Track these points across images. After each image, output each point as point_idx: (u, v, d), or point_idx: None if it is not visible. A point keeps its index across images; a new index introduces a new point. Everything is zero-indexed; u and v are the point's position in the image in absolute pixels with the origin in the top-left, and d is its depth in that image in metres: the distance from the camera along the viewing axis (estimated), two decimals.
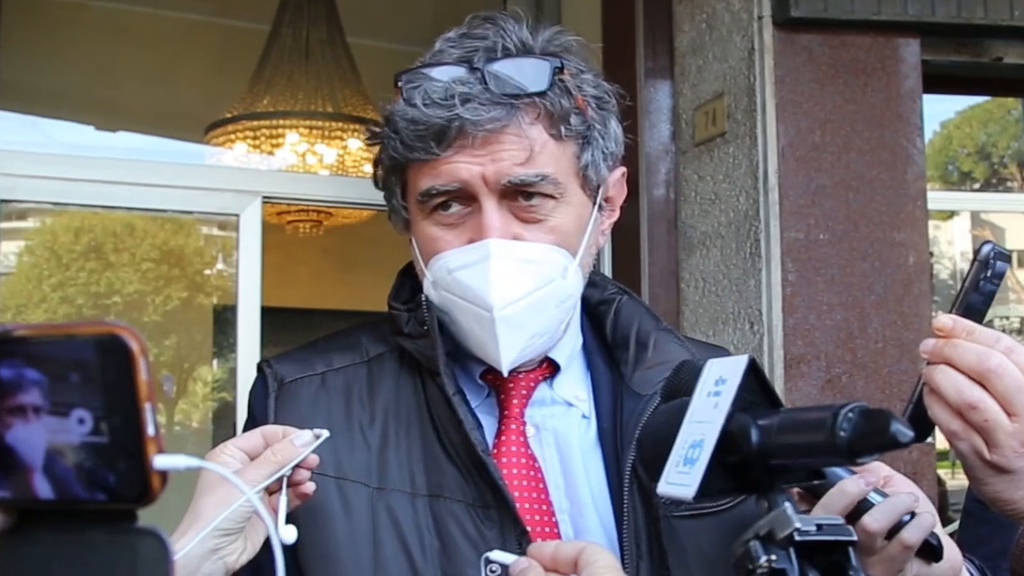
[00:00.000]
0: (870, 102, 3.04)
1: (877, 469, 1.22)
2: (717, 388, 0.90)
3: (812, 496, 1.19)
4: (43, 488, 0.58)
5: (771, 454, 0.86)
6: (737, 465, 0.87)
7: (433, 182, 1.31)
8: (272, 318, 3.60)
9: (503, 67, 1.30)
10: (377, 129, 1.39)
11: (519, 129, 1.30)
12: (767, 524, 0.84)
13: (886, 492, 1.19)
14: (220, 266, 7.07)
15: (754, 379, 0.89)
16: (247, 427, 1.43)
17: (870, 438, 0.83)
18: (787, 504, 0.84)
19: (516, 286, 1.30)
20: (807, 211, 2.97)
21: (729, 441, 0.87)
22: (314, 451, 1.34)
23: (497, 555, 1.12)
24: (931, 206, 3.21)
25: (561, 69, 1.32)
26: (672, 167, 3.40)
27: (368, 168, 5.08)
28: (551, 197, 1.33)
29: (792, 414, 0.89)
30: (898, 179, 3.04)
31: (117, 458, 0.58)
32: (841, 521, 0.86)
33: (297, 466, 1.20)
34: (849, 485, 1.15)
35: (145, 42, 5.42)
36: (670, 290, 3.35)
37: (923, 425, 1.14)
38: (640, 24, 3.46)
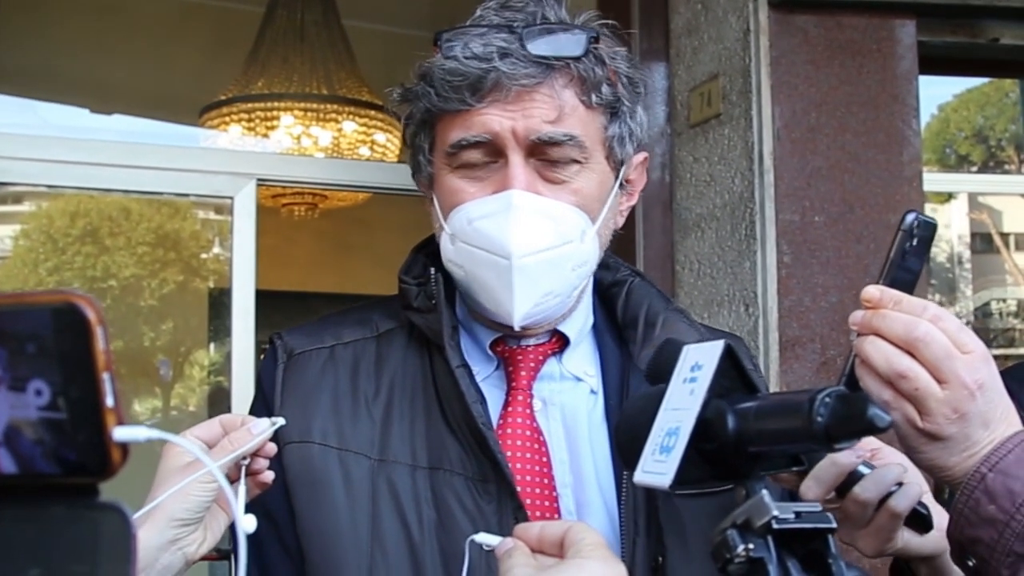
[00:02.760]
0: (866, 83, 3.02)
1: (866, 441, 1.23)
2: (693, 374, 0.88)
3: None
4: (5, 463, 0.57)
5: (748, 441, 0.85)
6: (714, 452, 0.86)
7: (464, 133, 1.34)
8: (267, 301, 3.60)
9: (540, 31, 1.33)
10: (411, 86, 1.40)
11: (552, 89, 1.32)
12: (744, 512, 0.83)
13: (874, 464, 1.20)
14: (216, 250, 7.08)
15: (731, 365, 0.88)
16: (256, 399, 1.48)
17: (847, 423, 0.82)
18: (764, 492, 0.83)
19: (536, 237, 1.32)
20: (802, 193, 2.96)
21: (706, 428, 0.86)
22: (319, 421, 1.37)
23: (483, 537, 1.11)
24: (928, 188, 3.20)
25: (596, 39, 1.35)
26: (667, 149, 3.39)
27: (363, 151, 5.06)
28: (576, 161, 1.35)
29: (769, 400, 0.88)
30: (894, 161, 3.02)
31: (76, 430, 0.56)
32: (820, 508, 0.85)
33: (255, 455, 1.21)
34: (840, 457, 1.16)
35: (140, 24, 5.41)
36: (665, 272, 3.34)
37: None
38: (635, 5, 3.44)
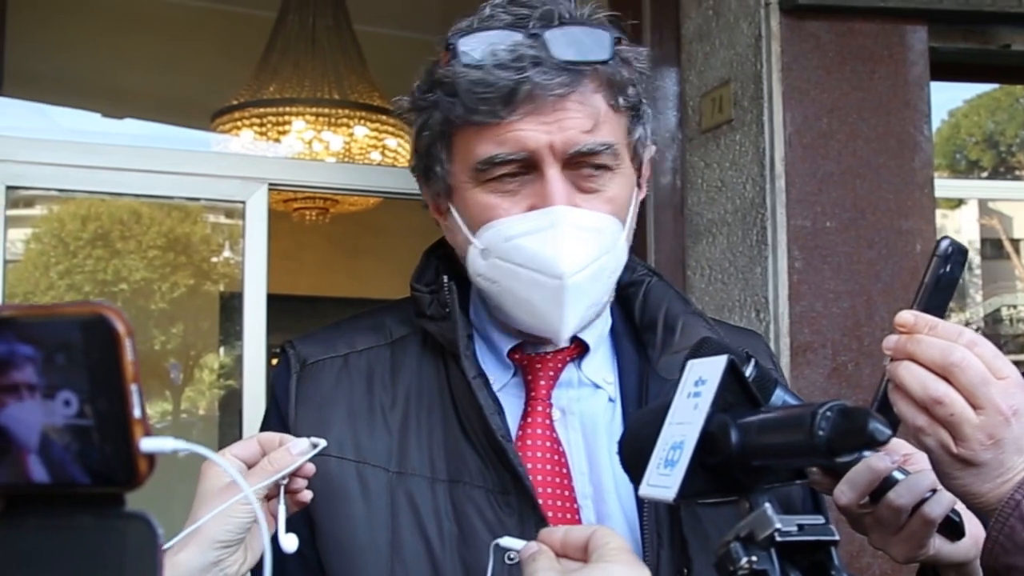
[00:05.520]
0: (877, 89, 3.02)
1: (899, 447, 1.23)
2: (697, 389, 0.89)
3: (834, 474, 1.19)
4: (38, 471, 0.57)
5: (752, 454, 0.85)
6: (718, 466, 0.87)
7: (498, 149, 1.28)
8: (278, 305, 3.60)
9: (563, 34, 1.28)
10: (423, 93, 1.35)
11: (584, 96, 1.28)
12: (748, 525, 0.83)
13: (908, 470, 1.19)
14: (227, 253, 7.10)
15: (734, 379, 0.88)
16: (269, 409, 1.45)
17: (848, 437, 0.82)
18: (767, 505, 0.83)
19: (584, 253, 1.29)
20: (814, 199, 2.95)
21: (710, 442, 0.86)
22: (335, 433, 1.35)
23: (507, 541, 1.11)
24: (938, 194, 3.19)
25: (619, 40, 1.31)
26: (679, 154, 3.38)
27: (375, 155, 5.05)
28: (609, 168, 1.32)
29: (772, 414, 0.88)
30: (905, 167, 3.01)
31: (103, 441, 0.57)
32: (823, 521, 0.85)
33: (294, 474, 1.19)
34: (876, 462, 1.16)
35: (152, 29, 5.43)
36: (676, 277, 3.33)
37: (889, 421, 1.15)
38: (647, 10, 3.43)
